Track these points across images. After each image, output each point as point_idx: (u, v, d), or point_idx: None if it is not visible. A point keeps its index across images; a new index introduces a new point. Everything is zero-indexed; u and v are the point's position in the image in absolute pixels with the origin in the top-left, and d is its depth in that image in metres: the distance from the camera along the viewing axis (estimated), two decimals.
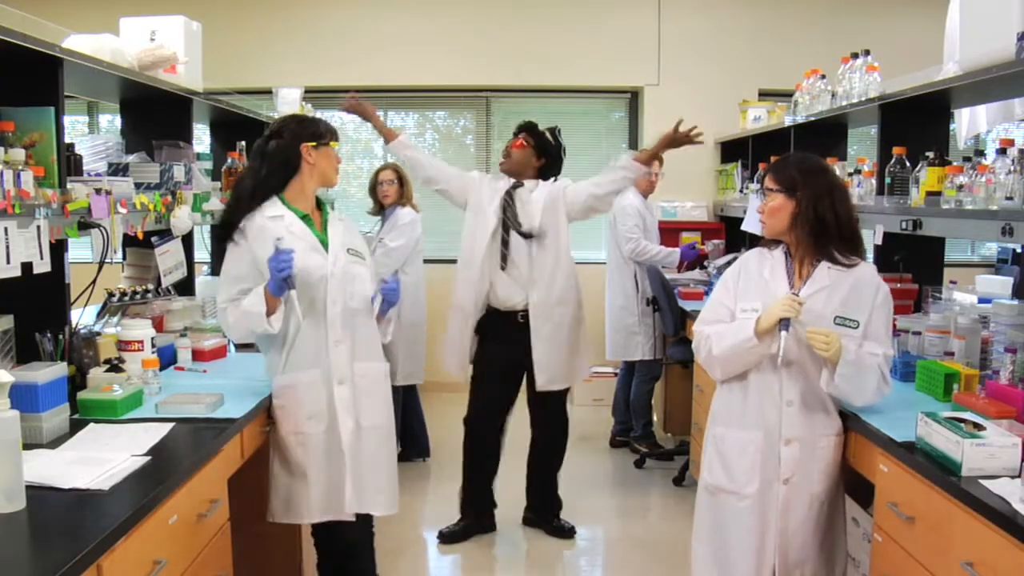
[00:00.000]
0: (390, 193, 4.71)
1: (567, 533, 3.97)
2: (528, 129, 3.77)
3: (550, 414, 3.91)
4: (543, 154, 3.75)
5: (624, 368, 5.25)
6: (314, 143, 2.60)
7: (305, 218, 2.62)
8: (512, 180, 3.74)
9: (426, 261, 4.85)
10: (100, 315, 2.96)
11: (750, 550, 2.40)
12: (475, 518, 3.95)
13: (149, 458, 2.01)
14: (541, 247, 3.66)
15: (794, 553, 2.38)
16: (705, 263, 5.71)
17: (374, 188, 4.77)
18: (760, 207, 2.46)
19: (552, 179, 3.78)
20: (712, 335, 2.44)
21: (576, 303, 3.79)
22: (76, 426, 2.25)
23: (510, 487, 4.40)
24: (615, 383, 5.35)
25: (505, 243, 3.66)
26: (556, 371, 3.75)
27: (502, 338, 3.74)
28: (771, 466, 2.38)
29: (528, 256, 3.65)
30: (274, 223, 2.56)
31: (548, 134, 3.79)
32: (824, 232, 2.34)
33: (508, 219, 3.66)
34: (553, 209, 3.66)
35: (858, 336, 2.33)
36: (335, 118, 6.60)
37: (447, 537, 3.91)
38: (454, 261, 4.05)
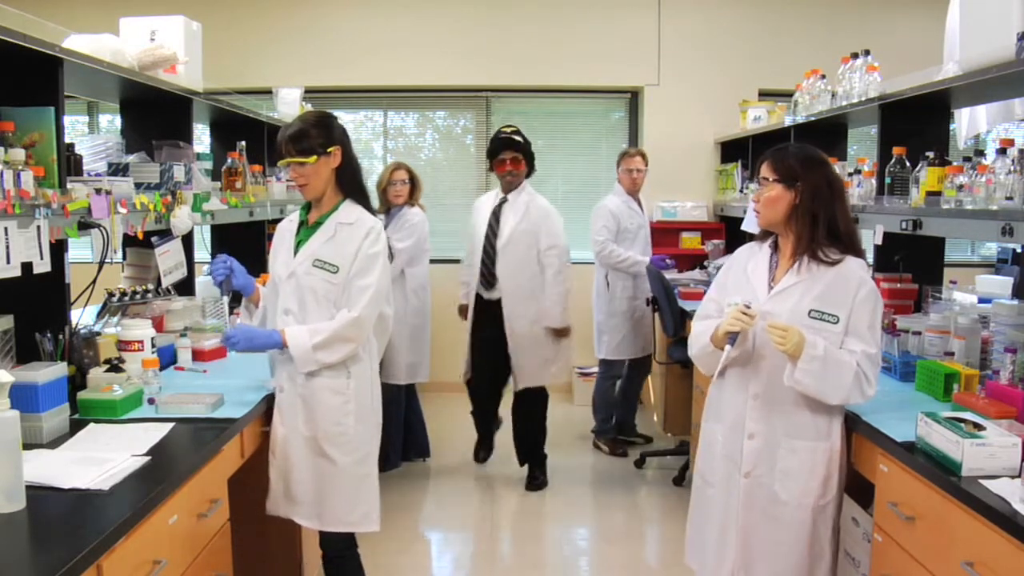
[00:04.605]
0: (403, 193, 4.63)
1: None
2: (515, 147, 4.34)
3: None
4: (529, 161, 4.40)
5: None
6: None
7: (303, 223, 2.64)
8: (501, 196, 4.43)
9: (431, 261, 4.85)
10: (100, 315, 2.96)
11: (714, 539, 2.46)
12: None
13: (149, 458, 2.01)
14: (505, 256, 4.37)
15: (755, 550, 2.38)
16: (705, 263, 5.73)
17: (384, 187, 4.65)
18: (755, 196, 2.44)
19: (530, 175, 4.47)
20: (693, 335, 2.51)
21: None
22: (76, 426, 2.26)
23: (510, 491, 4.42)
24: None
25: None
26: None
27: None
28: (734, 459, 2.41)
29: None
30: (286, 226, 2.70)
31: (521, 137, 4.38)
32: (816, 225, 2.32)
33: (488, 240, 4.39)
34: (529, 234, 4.33)
35: (839, 332, 2.29)
36: None
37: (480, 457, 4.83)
38: (455, 261, 4.91)
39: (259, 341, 2.52)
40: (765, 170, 2.38)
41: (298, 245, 2.60)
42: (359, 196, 2.62)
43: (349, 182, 2.60)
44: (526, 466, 4.61)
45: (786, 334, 2.22)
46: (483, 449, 4.91)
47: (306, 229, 2.61)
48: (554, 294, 4.31)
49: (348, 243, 2.53)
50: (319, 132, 2.53)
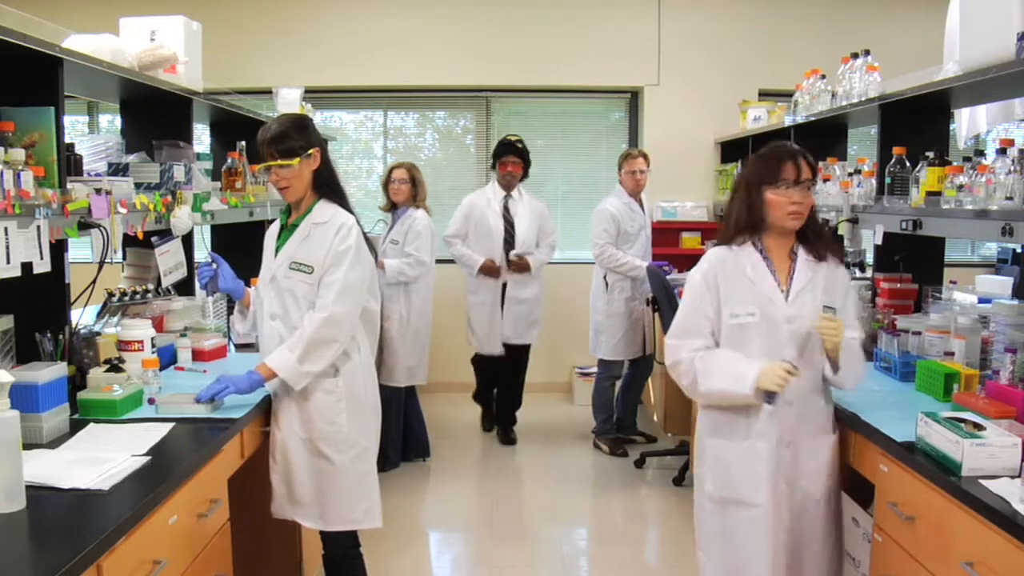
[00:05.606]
0: (402, 191, 4.71)
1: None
2: (516, 152, 5.17)
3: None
4: (526, 167, 5.23)
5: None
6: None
7: (283, 226, 2.65)
8: (504, 193, 5.22)
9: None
10: (100, 315, 2.95)
11: (765, 556, 2.33)
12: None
13: (149, 458, 2.01)
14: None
15: (804, 552, 2.38)
16: None
17: (386, 185, 4.79)
18: (799, 198, 2.30)
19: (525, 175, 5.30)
20: (699, 370, 2.34)
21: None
22: (76, 426, 2.26)
23: (510, 491, 4.40)
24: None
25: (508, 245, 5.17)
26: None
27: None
28: (775, 470, 2.34)
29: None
30: (271, 231, 2.70)
31: (523, 145, 5.20)
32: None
33: (507, 232, 5.17)
34: (536, 227, 5.24)
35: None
36: (335, 118, 6.62)
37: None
38: (450, 262, 5.32)
39: (243, 384, 2.49)
40: (808, 171, 2.32)
41: (278, 249, 2.61)
42: (335, 196, 2.62)
43: (325, 183, 2.61)
44: (508, 434, 5.36)
45: (836, 325, 2.23)
46: (490, 419, 5.52)
47: (285, 232, 2.63)
48: (544, 257, 5.26)
49: (321, 242, 2.54)
50: (300, 134, 2.54)
